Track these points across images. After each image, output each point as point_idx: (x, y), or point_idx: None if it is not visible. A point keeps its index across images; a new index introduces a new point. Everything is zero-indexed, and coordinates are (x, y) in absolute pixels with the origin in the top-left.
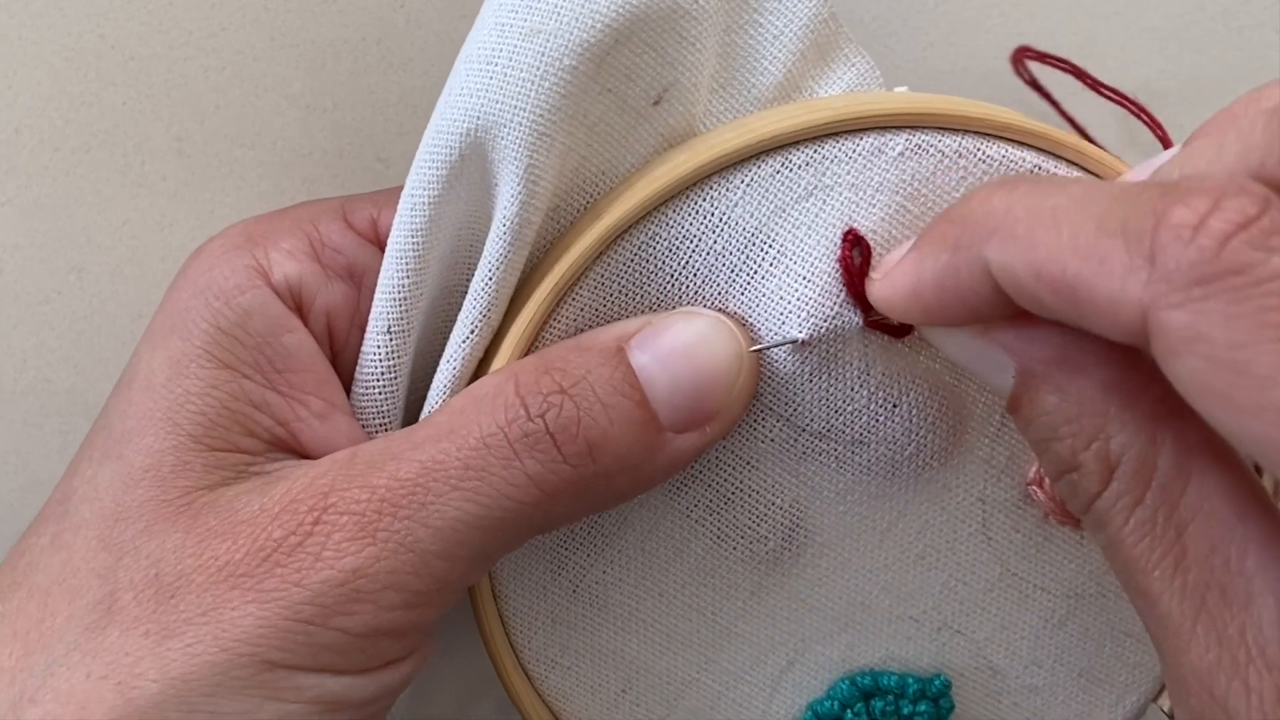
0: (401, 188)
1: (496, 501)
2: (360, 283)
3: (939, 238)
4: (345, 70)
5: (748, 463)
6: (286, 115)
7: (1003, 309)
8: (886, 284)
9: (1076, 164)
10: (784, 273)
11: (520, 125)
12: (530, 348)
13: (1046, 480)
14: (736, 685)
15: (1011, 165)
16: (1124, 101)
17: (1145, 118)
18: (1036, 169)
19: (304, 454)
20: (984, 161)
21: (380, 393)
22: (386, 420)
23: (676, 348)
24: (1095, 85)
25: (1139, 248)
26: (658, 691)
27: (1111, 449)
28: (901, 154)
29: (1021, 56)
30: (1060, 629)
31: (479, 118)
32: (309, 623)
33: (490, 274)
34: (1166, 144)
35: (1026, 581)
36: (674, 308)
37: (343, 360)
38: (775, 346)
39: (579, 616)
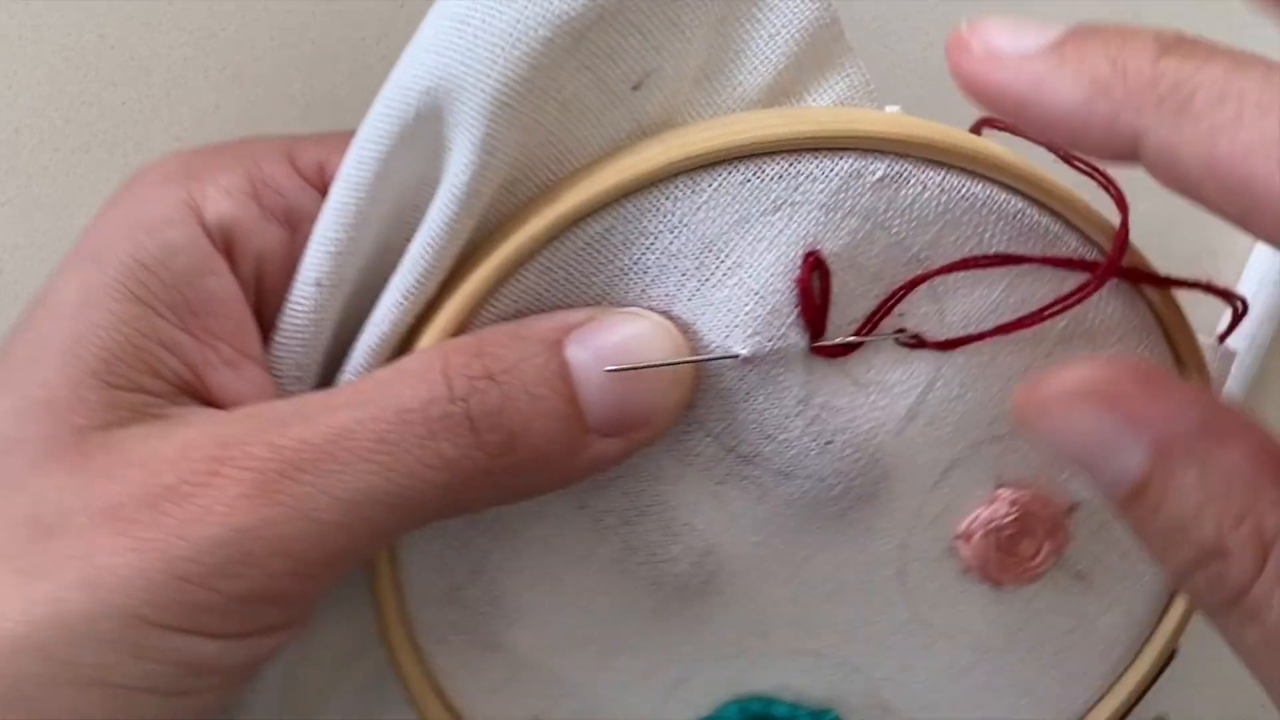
0: (353, 133)
1: (405, 479)
2: (298, 229)
3: (1096, 74)
4: (345, 70)
5: (669, 476)
6: (286, 115)
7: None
8: (998, 66)
9: (1064, 218)
10: (736, 284)
11: (483, 92)
12: (466, 323)
13: (974, 538)
14: (623, 696)
15: (996, 207)
16: (1094, 173)
17: (1113, 190)
18: (1020, 213)
19: (211, 402)
20: (967, 199)
21: (301, 346)
22: (302, 374)
23: (616, 348)
24: (1067, 158)
25: None
26: (541, 689)
27: (1265, 528)
28: (881, 180)
29: (981, 128)
30: (961, 678)
31: (441, 77)
32: (187, 580)
33: (430, 241)
34: (1121, 206)
35: (934, 629)
36: (621, 304)
37: (268, 308)
38: (715, 360)
39: (474, 599)
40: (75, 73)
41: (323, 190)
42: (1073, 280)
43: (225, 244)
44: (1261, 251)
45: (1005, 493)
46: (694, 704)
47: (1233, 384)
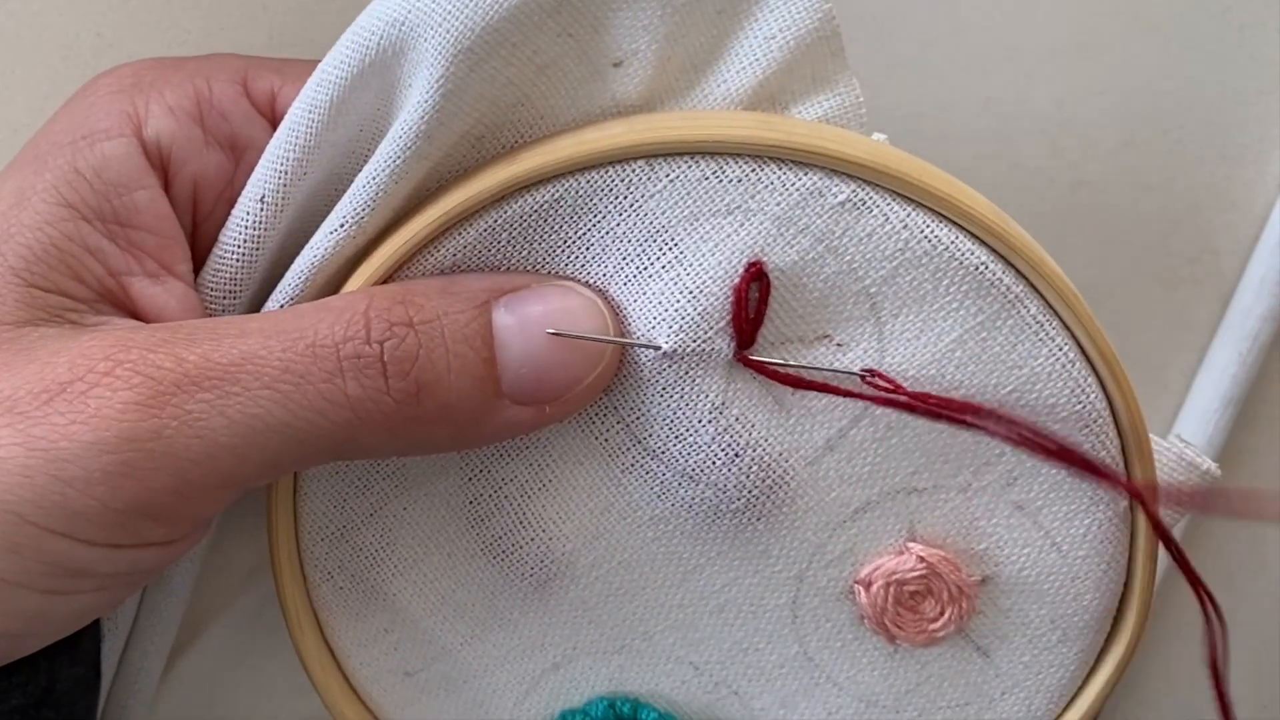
0: (313, 64)
1: (305, 413)
2: (240, 156)
3: None
4: None
5: (575, 456)
6: None
7: None
8: None
9: (1026, 278)
10: (673, 280)
11: (446, 33)
12: (401, 269)
13: (875, 585)
14: (495, 670)
15: (958, 255)
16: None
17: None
18: (982, 267)
19: (135, 315)
20: (929, 240)
21: (238, 261)
22: (236, 290)
23: (543, 318)
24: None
25: None
26: (417, 646)
27: None
28: (841, 204)
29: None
30: None
31: (410, 11)
32: (68, 484)
33: (375, 174)
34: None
35: (821, 671)
36: (556, 274)
37: (203, 232)
38: (637, 346)
39: (366, 543)
40: (74, 71)
41: (272, 119)
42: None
43: (161, 161)
44: (1262, 251)
45: (916, 548)
46: (563, 693)
47: (1233, 386)
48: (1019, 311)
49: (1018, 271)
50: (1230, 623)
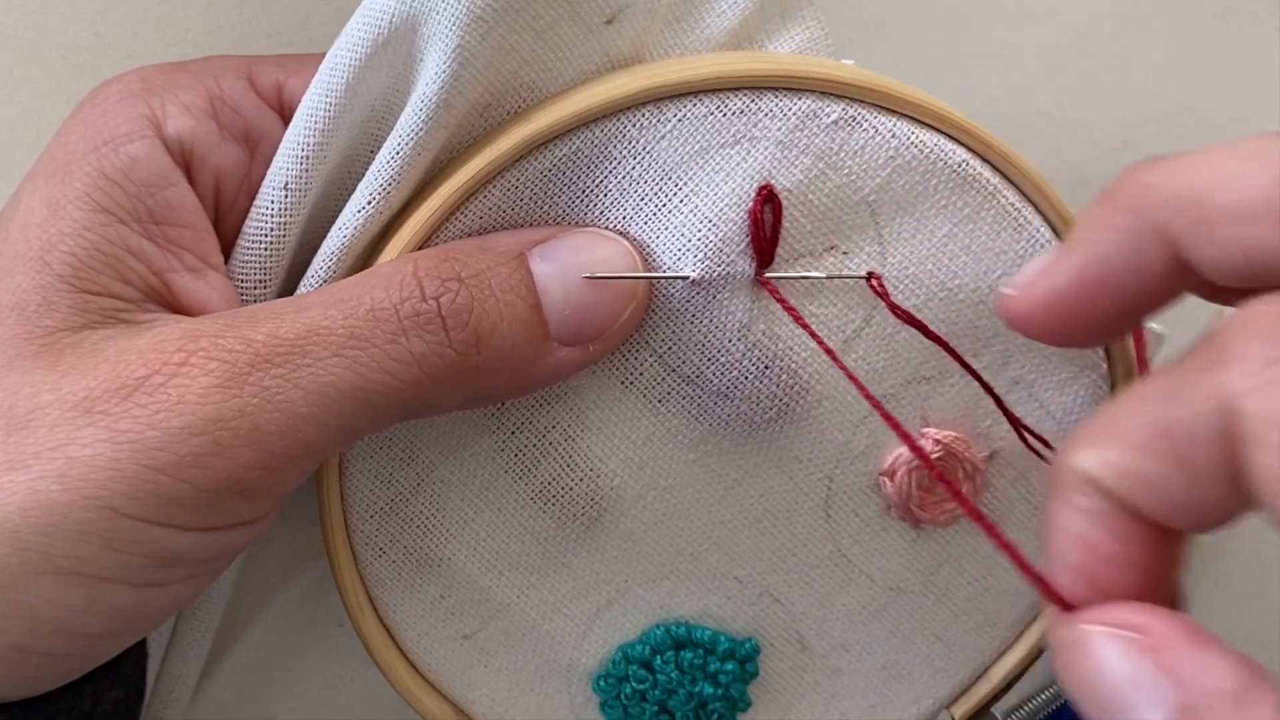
0: (314, 56)
1: (375, 374)
2: (255, 149)
3: (1102, 217)
4: None
5: (612, 394)
6: None
7: (1161, 299)
8: (1025, 288)
9: (1001, 171)
10: (691, 211)
11: (458, 3)
12: (432, 236)
13: (898, 473)
14: (553, 617)
15: (942, 155)
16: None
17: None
18: (964, 164)
19: (179, 310)
20: (915, 146)
21: (266, 250)
22: (266, 279)
23: (578, 263)
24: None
25: None
26: (474, 606)
27: None
28: (835, 123)
29: None
30: (875, 619)
31: None
32: (160, 471)
33: (399, 148)
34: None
35: (853, 565)
36: (581, 224)
37: (226, 224)
38: (666, 278)
39: (417, 512)
40: (72, 71)
41: (280, 111)
42: (1010, 235)
43: (184, 158)
44: None
45: (931, 431)
46: (620, 627)
47: None
48: (998, 201)
49: (993, 166)
50: (1230, 623)
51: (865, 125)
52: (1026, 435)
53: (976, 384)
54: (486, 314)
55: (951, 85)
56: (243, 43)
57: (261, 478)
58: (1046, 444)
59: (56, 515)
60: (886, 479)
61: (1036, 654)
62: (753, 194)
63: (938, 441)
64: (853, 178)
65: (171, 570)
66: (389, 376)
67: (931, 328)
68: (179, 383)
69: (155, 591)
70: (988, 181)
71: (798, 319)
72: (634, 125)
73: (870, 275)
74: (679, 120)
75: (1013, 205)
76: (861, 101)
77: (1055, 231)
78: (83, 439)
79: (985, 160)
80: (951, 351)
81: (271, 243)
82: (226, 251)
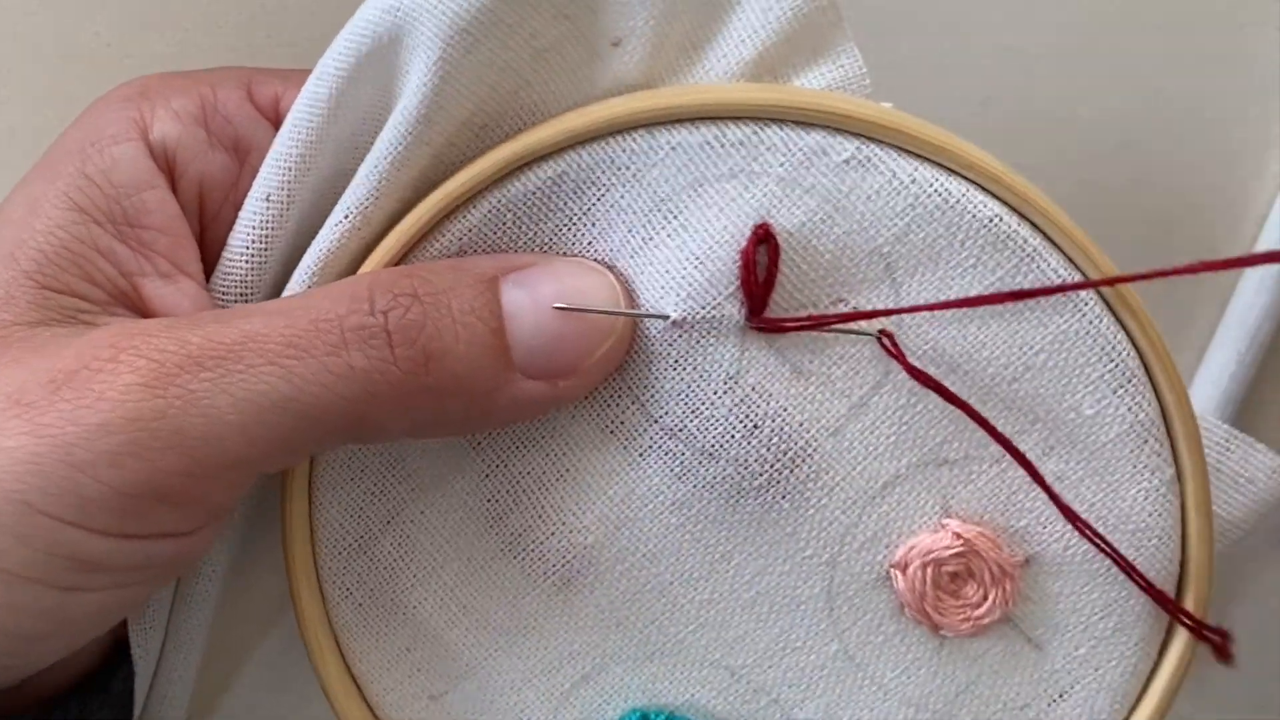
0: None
1: (310, 387)
2: (244, 159)
3: None
4: None
5: (591, 443)
6: None
7: None
8: None
9: (1043, 230)
10: (679, 247)
11: (441, 15)
12: (407, 255)
13: (911, 567)
14: (523, 687)
15: (970, 208)
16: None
17: None
18: (996, 220)
19: (147, 316)
20: (939, 195)
21: (248, 261)
22: (248, 291)
23: (553, 292)
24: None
25: None
26: (440, 664)
27: None
28: (846, 162)
29: None
30: None
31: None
32: (78, 469)
33: (377, 163)
34: None
35: (864, 672)
36: (564, 252)
37: (211, 234)
38: (645, 316)
39: (384, 552)
40: (71, 72)
41: (276, 123)
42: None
43: (167, 163)
44: (1262, 250)
45: (953, 524)
46: (596, 708)
47: (1233, 385)
48: (1038, 265)
49: (1033, 224)
50: (1230, 622)
51: (881, 167)
52: (1085, 529)
53: (1013, 474)
54: (440, 333)
55: (951, 85)
56: (241, 43)
57: (185, 484)
58: (1105, 541)
59: None
60: (899, 572)
61: None
62: (748, 233)
63: (959, 535)
64: (864, 225)
65: (94, 576)
66: (325, 390)
67: (946, 407)
68: (103, 378)
69: (79, 596)
70: (1026, 242)
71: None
72: (625, 150)
73: (882, 333)
74: (672, 148)
75: (1055, 272)
76: (878, 141)
77: (1106, 303)
78: (9, 430)
79: (1023, 217)
80: (979, 418)
81: (253, 255)
82: (211, 260)
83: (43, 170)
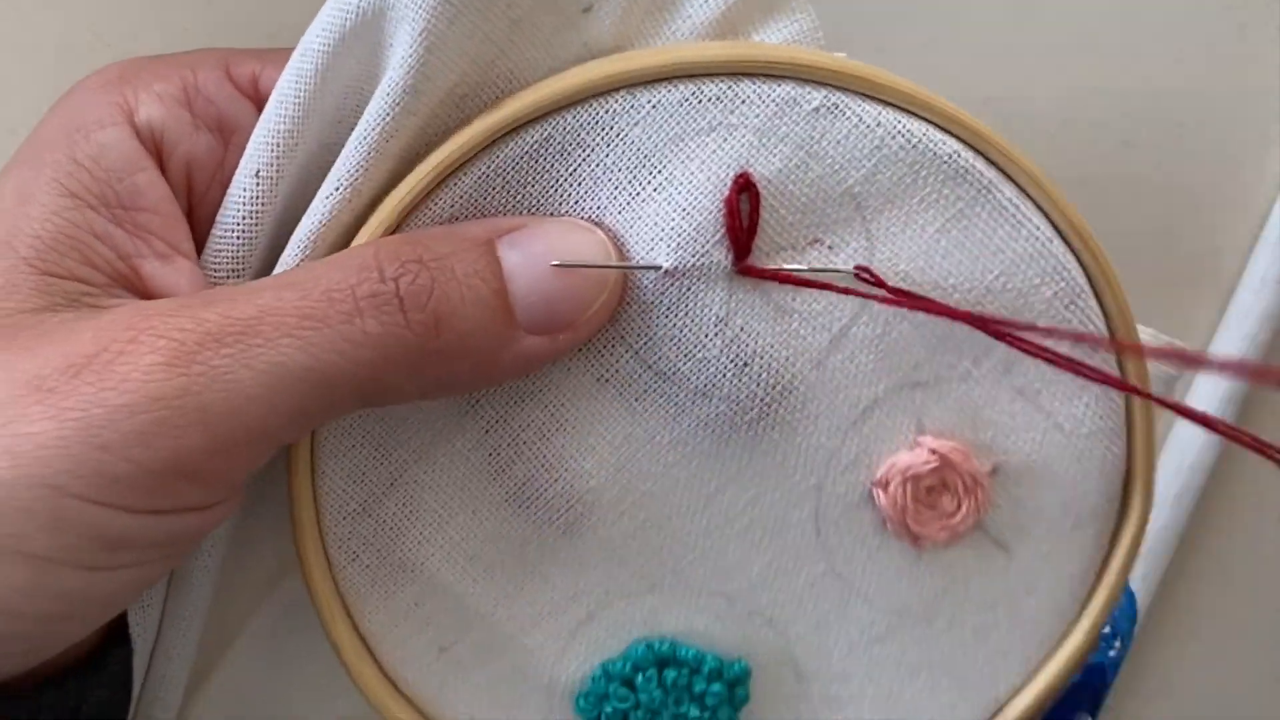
0: (292, 49)
1: (328, 355)
2: (229, 138)
3: None
4: None
5: (587, 392)
6: None
7: None
8: None
9: (997, 164)
10: (665, 200)
11: None
12: (401, 224)
13: (892, 484)
14: (531, 630)
15: (931, 146)
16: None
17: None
18: (955, 156)
19: (147, 297)
20: (902, 136)
21: (239, 237)
22: (240, 267)
23: (547, 251)
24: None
25: None
26: (449, 616)
27: None
28: (816, 110)
29: None
30: (876, 646)
31: None
32: (105, 450)
33: (366, 134)
34: None
35: (850, 586)
36: (553, 212)
37: (199, 214)
38: (638, 269)
39: (389, 514)
40: (71, 72)
41: (256, 102)
42: (1007, 232)
43: (155, 146)
44: (1262, 251)
45: (927, 440)
46: (601, 643)
47: (1233, 386)
48: (994, 196)
49: (988, 159)
50: (1231, 623)
51: (848, 113)
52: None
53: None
54: (447, 296)
55: (951, 85)
56: (240, 42)
57: (210, 460)
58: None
59: (1, 492)
60: (880, 490)
61: (1054, 693)
62: (729, 182)
63: (933, 451)
64: (836, 168)
65: (119, 554)
66: (342, 358)
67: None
68: (125, 360)
69: (103, 575)
70: (981, 175)
71: (790, 281)
72: (607, 111)
73: (858, 269)
74: (653, 106)
75: (1010, 201)
76: (844, 89)
77: (1056, 229)
78: (30, 416)
79: (978, 152)
80: (971, 319)
81: (244, 230)
82: (200, 241)
83: (27, 159)
